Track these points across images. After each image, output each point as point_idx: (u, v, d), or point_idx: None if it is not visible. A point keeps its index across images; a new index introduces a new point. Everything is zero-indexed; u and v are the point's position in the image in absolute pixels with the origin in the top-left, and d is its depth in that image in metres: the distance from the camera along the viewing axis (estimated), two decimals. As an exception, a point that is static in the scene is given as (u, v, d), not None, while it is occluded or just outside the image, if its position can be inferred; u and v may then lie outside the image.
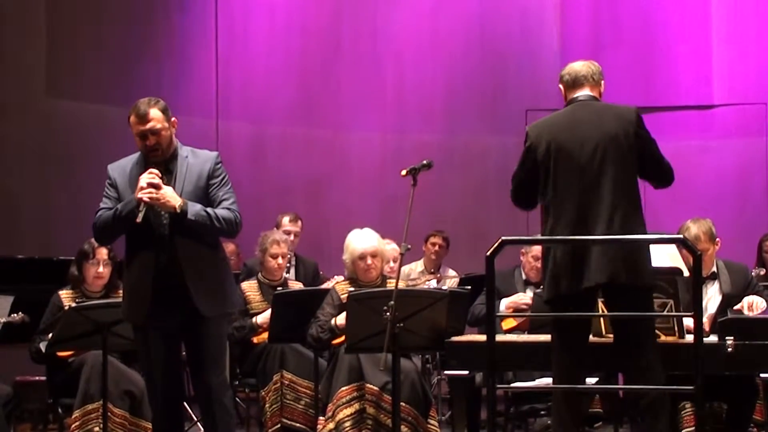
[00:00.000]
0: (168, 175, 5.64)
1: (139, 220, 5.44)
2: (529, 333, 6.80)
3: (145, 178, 5.49)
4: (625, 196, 5.41)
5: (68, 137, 11.16)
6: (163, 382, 5.69)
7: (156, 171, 5.54)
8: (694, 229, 6.63)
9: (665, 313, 5.59)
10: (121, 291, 7.20)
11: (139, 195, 5.46)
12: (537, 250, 7.74)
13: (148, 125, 5.62)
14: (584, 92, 5.58)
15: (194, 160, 5.73)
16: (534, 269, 7.77)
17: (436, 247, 10.27)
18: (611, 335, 5.57)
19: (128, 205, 5.53)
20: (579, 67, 5.63)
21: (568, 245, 5.37)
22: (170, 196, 5.51)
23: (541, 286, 5.68)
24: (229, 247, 10.22)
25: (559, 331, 5.43)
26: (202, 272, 5.62)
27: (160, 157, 5.64)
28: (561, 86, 5.68)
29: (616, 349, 5.46)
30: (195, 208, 5.54)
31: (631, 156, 5.44)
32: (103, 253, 7.10)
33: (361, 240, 7.07)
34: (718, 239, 6.74)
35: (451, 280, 9.54)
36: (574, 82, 5.61)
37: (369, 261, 7.01)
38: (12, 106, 10.82)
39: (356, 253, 7.03)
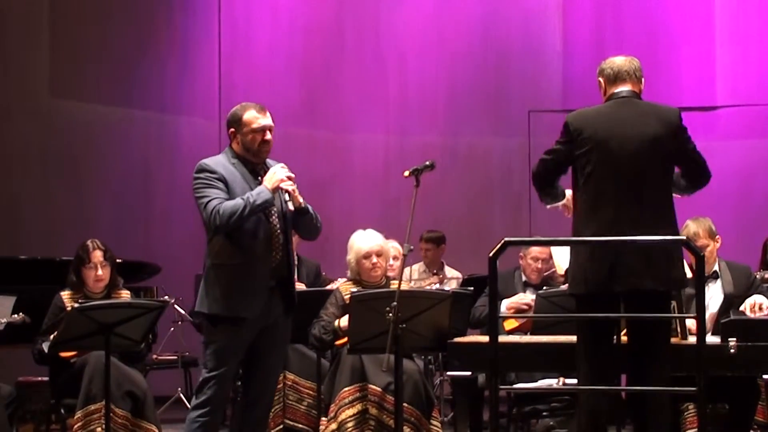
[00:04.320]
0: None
1: (292, 208, 5.76)
2: (531, 334, 6.80)
3: (283, 171, 5.75)
4: (662, 199, 5.41)
5: (71, 137, 11.17)
6: (235, 372, 5.95)
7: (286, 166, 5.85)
8: (693, 226, 6.65)
9: (668, 314, 5.57)
10: (123, 292, 7.23)
11: (285, 186, 5.72)
12: (536, 251, 7.73)
13: (270, 122, 5.89)
14: (625, 88, 5.52)
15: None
16: (534, 271, 7.76)
17: (428, 252, 10.23)
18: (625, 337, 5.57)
19: (261, 195, 5.69)
20: (621, 62, 5.56)
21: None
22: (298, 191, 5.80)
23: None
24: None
25: (588, 329, 5.43)
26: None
27: (267, 156, 5.90)
28: (601, 80, 5.60)
29: (631, 352, 5.45)
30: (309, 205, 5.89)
31: (671, 159, 5.43)
32: (98, 255, 7.07)
33: (366, 239, 7.07)
34: (718, 236, 6.75)
35: (453, 281, 9.53)
36: (616, 77, 5.53)
37: (374, 260, 7.01)
38: (15, 107, 10.83)
39: (362, 252, 7.03)
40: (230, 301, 5.75)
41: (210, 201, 5.69)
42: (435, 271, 10.09)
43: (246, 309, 5.73)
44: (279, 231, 5.83)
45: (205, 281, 5.83)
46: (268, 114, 5.89)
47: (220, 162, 5.86)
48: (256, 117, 5.84)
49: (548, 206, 5.79)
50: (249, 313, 5.74)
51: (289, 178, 5.74)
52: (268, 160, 5.93)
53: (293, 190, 5.76)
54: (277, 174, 5.74)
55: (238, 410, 6.18)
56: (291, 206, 5.76)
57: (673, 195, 5.55)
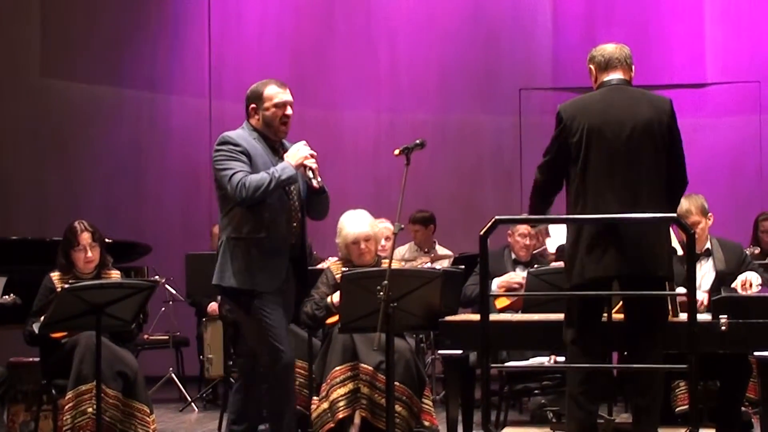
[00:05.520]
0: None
1: (316, 185, 5.83)
2: (522, 312, 6.80)
3: (306, 149, 5.83)
4: (657, 183, 5.40)
5: (61, 117, 11.16)
6: (286, 333, 5.86)
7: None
8: (685, 203, 6.64)
9: (660, 291, 5.58)
10: (112, 272, 7.21)
11: (308, 163, 5.80)
12: (523, 227, 7.73)
13: (290, 97, 5.97)
14: (616, 75, 5.51)
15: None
16: (523, 248, 7.76)
17: (417, 233, 10.21)
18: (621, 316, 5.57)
19: (286, 170, 5.74)
20: (612, 49, 5.56)
21: (595, 229, 5.32)
22: None
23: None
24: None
25: (579, 312, 5.42)
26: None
27: (285, 134, 5.96)
28: (591, 67, 5.59)
29: (627, 330, 5.45)
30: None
31: (663, 145, 5.41)
32: (87, 237, 7.03)
33: (354, 224, 7.02)
34: (710, 214, 6.75)
35: (445, 260, 9.53)
36: (607, 65, 5.53)
37: (362, 246, 6.99)
38: (5, 87, 10.81)
39: (349, 238, 7.01)
40: (250, 275, 5.76)
41: (235, 173, 5.71)
42: (426, 249, 10.07)
43: (266, 283, 5.76)
44: (297, 207, 5.89)
45: (224, 254, 5.83)
46: (288, 90, 5.95)
47: (243, 136, 5.89)
48: (277, 92, 5.92)
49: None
50: (269, 286, 5.76)
51: (312, 156, 5.80)
52: (284, 141, 5.96)
53: (316, 168, 5.81)
54: (301, 151, 5.80)
55: (239, 389, 6.15)
56: (315, 183, 5.81)
57: None
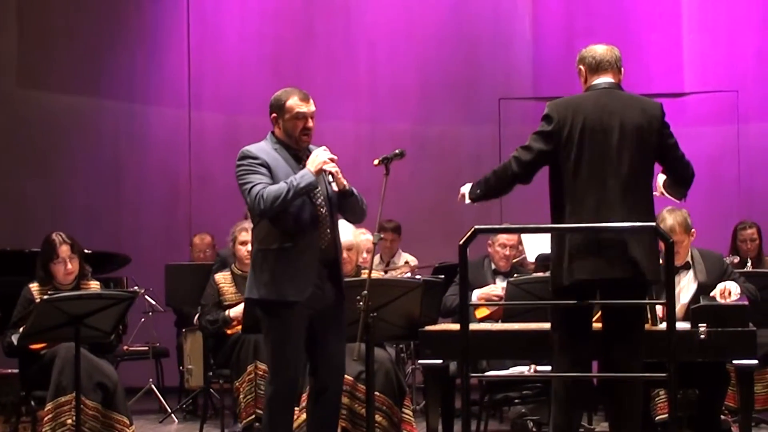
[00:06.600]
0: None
1: (336, 188, 5.78)
2: (502, 322, 6.81)
3: (326, 153, 5.77)
4: (644, 189, 5.42)
5: (40, 128, 11.12)
6: (300, 360, 5.78)
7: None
8: (669, 220, 6.63)
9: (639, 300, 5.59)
10: (91, 283, 7.20)
11: (328, 168, 5.74)
12: (503, 238, 7.74)
13: (313, 108, 5.92)
14: (606, 79, 5.51)
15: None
16: (503, 258, 7.77)
17: (393, 243, 10.25)
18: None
19: (305, 178, 5.69)
20: (602, 51, 5.55)
21: (580, 234, 5.33)
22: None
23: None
24: (206, 239, 10.18)
25: (566, 320, 5.43)
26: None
27: (308, 143, 5.89)
28: (582, 68, 5.58)
29: (605, 338, 5.46)
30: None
31: (652, 150, 5.42)
32: (66, 250, 7.02)
33: (336, 234, 7.03)
34: (693, 230, 6.75)
35: (407, 266, 9.56)
36: (598, 67, 5.52)
37: (344, 255, 6.99)
38: (-18, 98, 10.77)
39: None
40: (279, 285, 5.70)
41: (254, 186, 5.68)
42: (389, 260, 10.10)
43: (295, 292, 5.69)
44: (326, 214, 5.82)
45: (253, 267, 5.81)
46: (311, 101, 5.92)
47: (263, 148, 5.86)
48: (299, 104, 5.88)
49: (475, 201, 5.83)
50: (298, 296, 5.68)
51: (332, 160, 5.76)
52: (310, 146, 5.92)
53: (336, 172, 5.77)
54: (320, 156, 5.75)
55: (309, 400, 6.05)
56: (335, 187, 5.77)
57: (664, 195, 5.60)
